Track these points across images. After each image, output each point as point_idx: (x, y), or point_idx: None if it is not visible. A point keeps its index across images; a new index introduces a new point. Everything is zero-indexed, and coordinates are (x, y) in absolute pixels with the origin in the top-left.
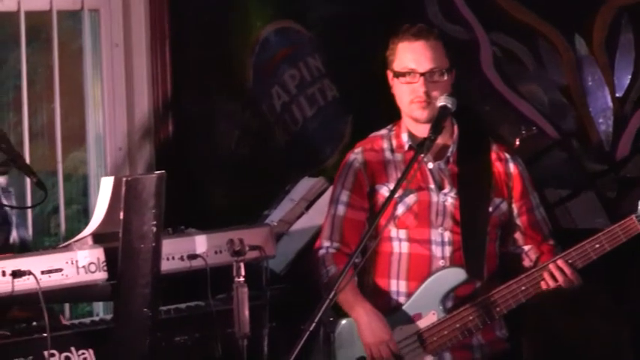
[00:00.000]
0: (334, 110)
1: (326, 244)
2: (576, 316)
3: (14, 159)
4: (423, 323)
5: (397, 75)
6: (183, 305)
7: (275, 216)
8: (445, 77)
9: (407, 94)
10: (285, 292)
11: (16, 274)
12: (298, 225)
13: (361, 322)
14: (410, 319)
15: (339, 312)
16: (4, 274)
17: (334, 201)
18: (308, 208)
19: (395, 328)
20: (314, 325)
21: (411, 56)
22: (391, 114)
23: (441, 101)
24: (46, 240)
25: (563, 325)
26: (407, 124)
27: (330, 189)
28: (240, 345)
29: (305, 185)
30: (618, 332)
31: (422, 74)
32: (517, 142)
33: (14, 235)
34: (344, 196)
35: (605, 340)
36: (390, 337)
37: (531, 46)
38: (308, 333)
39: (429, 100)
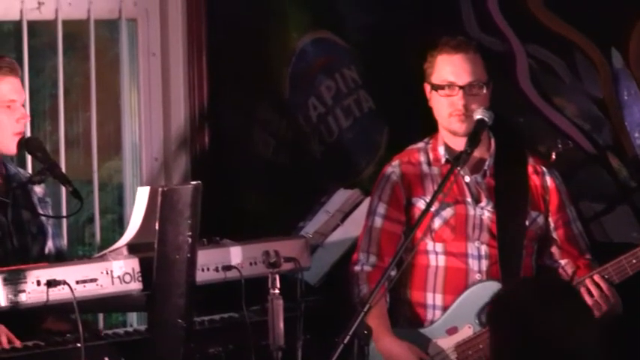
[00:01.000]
0: (370, 122)
1: (362, 257)
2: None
3: (50, 168)
4: (458, 337)
5: (436, 88)
6: (217, 316)
7: (310, 228)
8: (484, 90)
9: (445, 107)
10: (319, 305)
11: (51, 283)
12: (333, 237)
13: (384, 355)
14: (445, 333)
15: None
16: (39, 283)
17: (371, 213)
18: (343, 220)
19: (430, 342)
20: (348, 337)
21: (450, 69)
22: (427, 126)
23: (478, 114)
24: (79, 249)
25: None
26: (444, 137)
27: (366, 201)
28: (275, 357)
29: (340, 197)
30: None
31: (461, 87)
32: (553, 156)
33: (50, 245)
34: (381, 209)
35: None
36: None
37: (567, 59)
38: (342, 345)
39: (468, 113)
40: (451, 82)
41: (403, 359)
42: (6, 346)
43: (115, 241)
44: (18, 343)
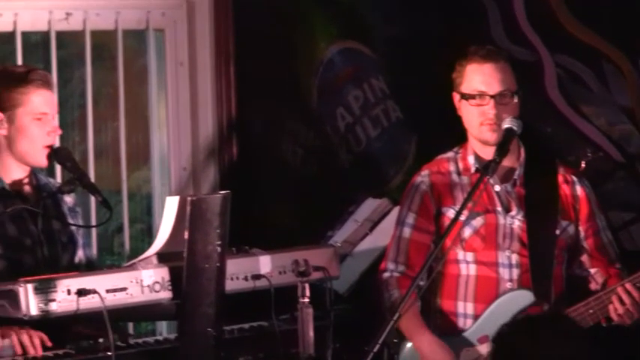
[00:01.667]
0: (398, 131)
1: (391, 266)
2: None
3: (79, 177)
4: (489, 346)
5: (466, 97)
6: (246, 325)
7: (339, 237)
8: (514, 99)
9: (476, 117)
10: (348, 313)
11: (82, 292)
12: (362, 246)
13: (423, 352)
14: (476, 342)
15: (403, 334)
16: (69, 292)
17: (400, 223)
18: (372, 229)
19: (461, 351)
20: (378, 346)
21: (480, 78)
22: (455, 135)
23: (507, 123)
24: (108, 259)
25: None
26: (474, 146)
27: (394, 210)
28: None
29: (369, 206)
30: None
31: (492, 96)
32: (583, 165)
33: (80, 255)
34: (410, 219)
35: None
36: None
37: (595, 69)
38: (372, 354)
39: (498, 122)
40: (482, 92)
41: (443, 354)
42: (38, 349)
43: (143, 250)
44: (49, 344)
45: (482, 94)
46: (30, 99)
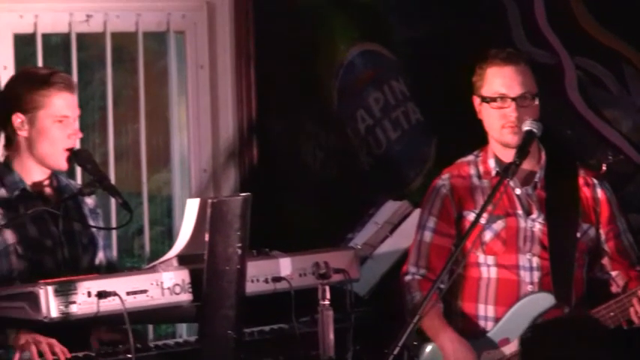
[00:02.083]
0: (418, 134)
1: (412, 270)
2: None
3: (100, 180)
4: (510, 348)
5: (487, 100)
6: (267, 328)
7: (359, 239)
8: (535, 102)
9: (497, 120)
10: (369, 316)
11: (102, 294)
12: (382, 248)
13: (446, 350)
14: (497, 344)
15: (424, 336)
16: (89, 294)
17: (421, 227)
18: (392, 231)
19: (482, 353)
20: (398, 349)
21: (501, 81)
22: (475, 137)
23: (527, 126)
24: (128, 261)
25: None
26: (495, 149)
27: (415, 212)
28: None
29: (389, 209)
30: None
31: (513, 99)
32: (603, 168)
33: (100, 256)
34: (431, 223)
35: None
36: None
37: (616, 71)
38: (392, 357)
39: (520, 124)
40: (503, 94)
41: (466, 352)
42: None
43: (163, 252)
44: (68, 355)
45: (503, 97)
46: (52, 101)
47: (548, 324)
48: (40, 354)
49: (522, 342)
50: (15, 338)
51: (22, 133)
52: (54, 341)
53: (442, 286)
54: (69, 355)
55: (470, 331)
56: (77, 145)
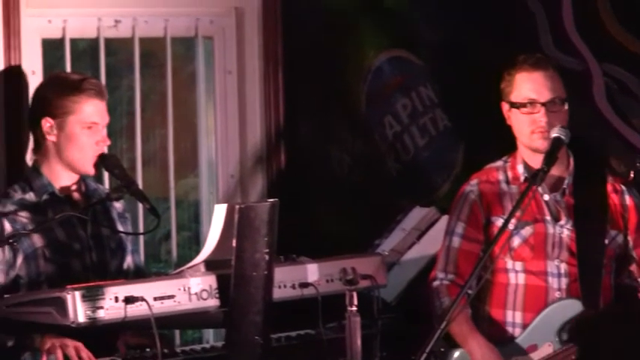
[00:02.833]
0: (446, 140)
1: (440, 275)
2: None
3: (127, 185)
4: (538, 355)
5: (516, 106)
6: (293, 333)
7: (386, 245)
8: (565, 107)
9: (527, 125)
10: (396, 322)
11: (129, 300)
12: (410, 255)
13: (475, 355)
14: (525, 350)
15: (451, 342)
16: (117, 299)
17: (449, 233)
18: (420, 237)
19: (510, 359)
20: (425, 355)
21: (530, 86)
22: (503, 143)
23: (555, 132)
24: (154, 266)
25: None
26: (524, 155)
27: (442, 219)
28: None
29: (416, 215)
30: None
31: (543, 104)
32: (632, 175)
33: (128, 261)
34: (459, 228)
35: None
36: None
37: None
38: None
39: (549, 129)
40: (532, 100)
41: (495, 357)
42: None
43: (190, 258)
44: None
45: (532, 102)
46: (82, 107)
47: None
48: (66, 358)
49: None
50: (41, 341)
51: (51, 138)
52: (80, 345)
53: (470, 291)
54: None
55: (497, 337)
56: (105, 149)
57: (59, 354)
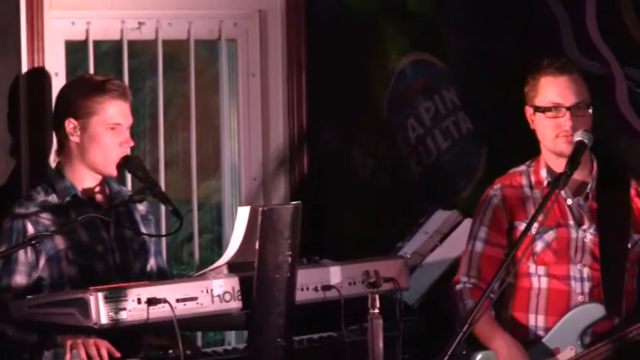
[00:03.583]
0: (468, 143)
1: (463, 279)
2: None
3: (150, 187)
4: (560, 358)
5: (541, 110)
6: (316, 336)
7: (408, 248)
8: (589, 111)
9: (551, 129)
10: (418, 325)
11: (152, 301)
12: (432, 257)
13: (501, 354)
14: (548, 354)
15: (473, 346)
16: (139, 301)
17: (472, 237)
18: (442, 240)
19: None
20: (447, 358)
21: (556, 90)
22: (525, 147)
23: (578, 136)
24: (176, 268)
25: None
26: (547, 159)
27: (464, 222)
28: None
29: (439, 218)
30: None
31: (568, 108)
32: None
33: (152, 263)
34: (482, 233)
35: None
36: None
37: None
38: None
39: (574, 133)
40: (557, 104)
41: (521, 356)
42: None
43: (212, 260)
44: (118, 354)
45: (557, 106)
46: (105, 108)
47: None
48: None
49: None
50: (63, 338)
51: (74, 139)
52: (104, 343)
53: (492, 295)
54: (117, 354)
55: (520, 340)
56: (128, 153)
57: (82, 351)
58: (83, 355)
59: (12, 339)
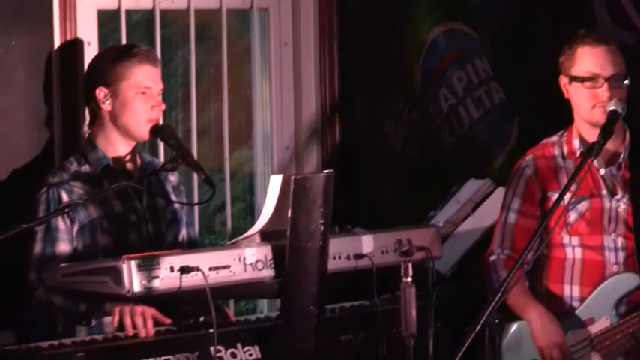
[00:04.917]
0: (501, 113)
1: (497, 250)
2: None
3: (183, 155)
4: (595, 328)
5: (578, 79)
6: (348, 304)
7: (441, 217)
8: (625, 82)
9: (588, 99)
10: (450, 294)
11: (184, 269)
12: (464, 227)
13: (534, 325)
14: (582, 324)
15: (505, 314)
16: (172, 269)
17: (505, 208)
18: (474, 210)
19: (567, 332)
20: (479, 327)
21: (593, 60)
22: (558, 117)
23: (611, 105)
24: (208, 237)
25: None
26: (580, 129)
27: (497, 191)
28: (407, 344)
29: (471, 187)
30: None
31: (606, 79)
32: None
33: (183, 233)
34: (515, 204)
35: None
36: (563, 340)
37: None
38: (473, 335)
39: None
40: (595, 74)
41: (554, 327)
42: (150, 331)
43: (244, 230)
44: (168, 321)
45: (595, 77)
46: (133, 72)
47: None
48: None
49: None
50: (111, 307)
51: (106, 107)
52: (150, 311)
53: (525, 266)
54: (167, 320)
55: (555, 310)
56: (160, 120)
57: (127, 319)
58: (129, 322)
59: (59, 308)
